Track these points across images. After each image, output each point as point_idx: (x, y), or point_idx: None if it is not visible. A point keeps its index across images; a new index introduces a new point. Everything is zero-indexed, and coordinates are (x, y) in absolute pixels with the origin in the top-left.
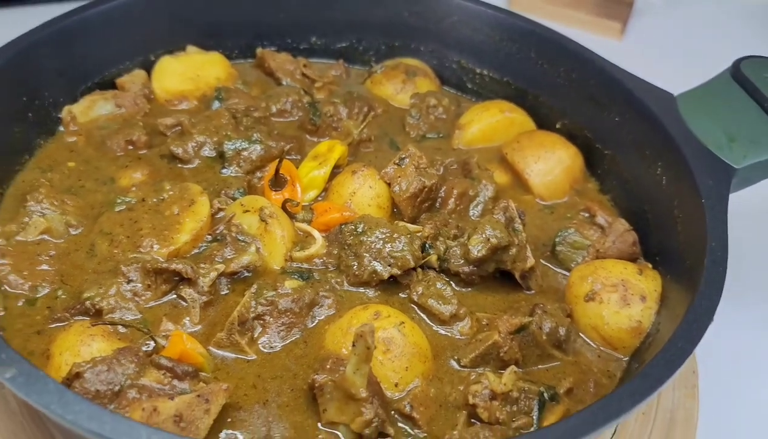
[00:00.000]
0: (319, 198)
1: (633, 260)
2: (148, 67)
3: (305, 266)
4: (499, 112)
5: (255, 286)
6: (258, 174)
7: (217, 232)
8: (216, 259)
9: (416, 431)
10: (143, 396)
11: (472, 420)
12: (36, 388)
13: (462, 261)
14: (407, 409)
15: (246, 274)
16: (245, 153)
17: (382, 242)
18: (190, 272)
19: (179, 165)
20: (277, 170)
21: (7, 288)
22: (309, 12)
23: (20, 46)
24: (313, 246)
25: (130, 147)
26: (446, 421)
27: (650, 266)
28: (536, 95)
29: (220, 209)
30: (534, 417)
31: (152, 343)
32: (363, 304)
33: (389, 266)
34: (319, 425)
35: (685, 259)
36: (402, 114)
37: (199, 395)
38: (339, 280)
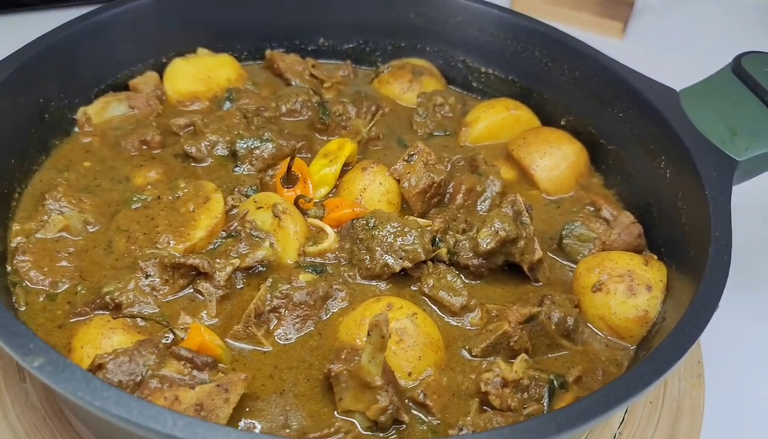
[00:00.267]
0: (330, 195)
1: (638, 251)
2: (160, 69)
3: (318, 260)
4: (504, 110)
5: (270, 279)
6: (270, 172)
7: (232, 228)
8: (231, 254)
9: (430, 418)
10: (164, 386)
11: (484, 407)
12: (64, 376)
13: (471, 254)
14: (421, 397)
15: (260, 268)
16: (257, 151)
17: (393, 236)
18: (207, 267)
19: (193, 164)
20: (289, 168)
21: (28, 284)
22: (316, 14)
23: (36, 50)
24: (325, 241)
25: (144, 147)
26: (459, 408)
27: (655, 257)
28: (541, 93)
29: (233, 206)
30: (544, 404)
31: (171, 335)
32: (375, 296)
33: (401, 259)
34: (335, 413)
35: (690, 249)
36: (409, 113)
37: (218, 385)
38: (351, 273)
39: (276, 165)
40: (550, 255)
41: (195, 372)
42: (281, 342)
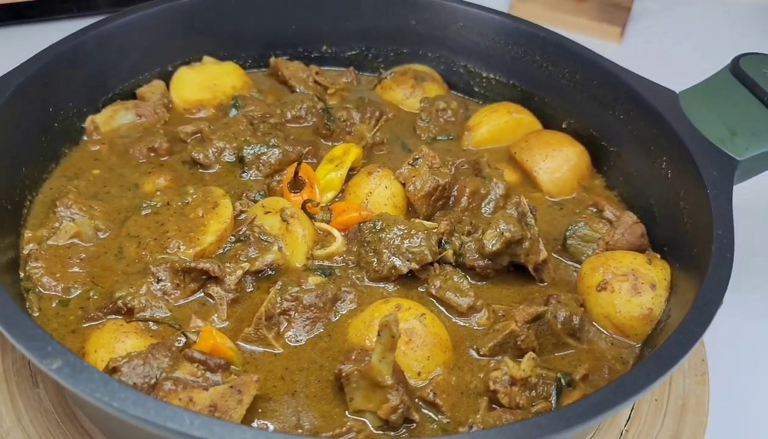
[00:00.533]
0: (337, 199)
1: (641, 251)
2: (166, 78)
3: (326, 263)
4: (506, 114)
5: (280, 282)
6: (277, 177)
7: (240, 233)
8: (241, 258)
9: (440, 416)
10: (179, 388)
11: (493, 406)
12: (82, 377)
13: (477, 255)
14: (430, 396)
15: (270, 272)
16: (264, 157)
17: (400, 238)
18: (218, 271)
19: (200, 170)
20: (296, 173)
21: (41, 290)
22: (320, 22)
23: (45, 59)
24: (333, 244)
25: (152, 154)
26: (468, 407)
27: (658, 256)
28: (542, 97)
29: (242, 211)
30: (552, 402)
31: (183, 338)
32: (383, 298)
33: (408, 261)
34: (346, 413)
35: (693, 247)
36: (412, 118)
37: (231, 386)
38: (359, 276)
39: (282, 170)
40: (555, 256)
41: (208, 374)
42: (292, 344)
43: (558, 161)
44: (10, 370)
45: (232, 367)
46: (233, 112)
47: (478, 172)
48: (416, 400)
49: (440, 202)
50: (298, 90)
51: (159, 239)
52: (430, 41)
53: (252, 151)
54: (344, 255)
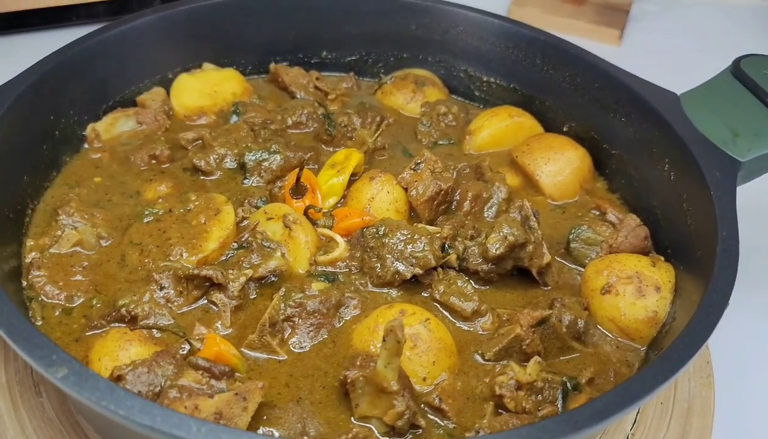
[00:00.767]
0: (339, 204)
1: (645, 253)
2: (167, 85)
3: (329, 269)
4: (508, 117)
5: (283, 289)
6: (278, 183)
7: (243, 239)
8: (243, 265)
9: (446, 422)
10: (184, 395)
11: (499, 410)
12: (88, 385)
13: (480, 260)
14: (436, 402)
15: (273, 278)
16: (266, 163)
17: (403, 243)
18: (221, 277)
19: (202, 177)
20: (298, 179)
21: (44, 298)
22: (319, 28)
23: (46, 68)
24: (336, 250)
25: (154, 161)
26: (474, 412)
27: (662, 258)
28: (543, 100)
29: (244, 218)
30: (558, 406)
31: (187, 346)
32: (387, 303)
33: (411, 266)
34: (352, 419)
35: (697, 250)
36: (413, 123)
37: (236, 394)
38: (363, 281)
39: (284, 176)
40: (558, 259)
41: (213, 381)
42: (296, 350)
43: (560, 165)
44: (13, 379)
45: (237, 374)
46: (234, 118)
47: (480, 176)
48: (422, 405)
49: (443, 207)
50: (298, 96)
51: (161, 246)
52: (430, 46)
53: (253, 158)
54: (347, 261)
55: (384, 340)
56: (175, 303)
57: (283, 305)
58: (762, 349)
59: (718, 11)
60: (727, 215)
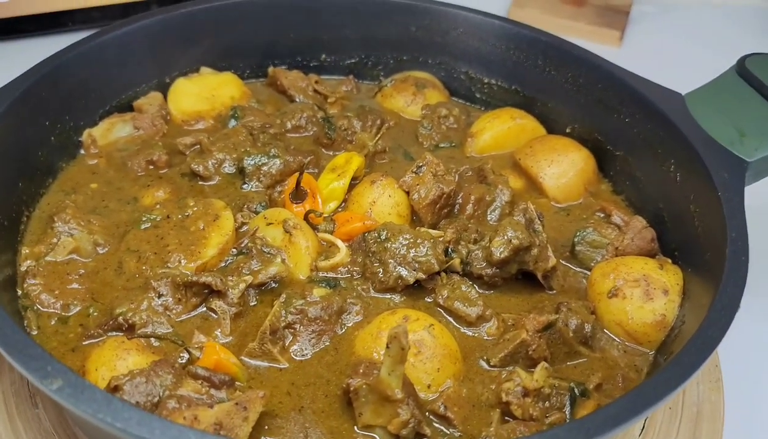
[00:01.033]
0: (340, 209)
1: (652, 256)
2: (164, 90)
3: (331, 274)
4: (510, 119)
5: (284, 295)
6: (278, 188)
7: (242, 245)
8: (243, 271)
9: (452, 430)
10: (183, 406)
11: (506, 418)
12: (84, 397)
13: (484, 264)
14: (441, 409)
15: (273, 285)
16: (265, 168)
17: (406, 247)
18: (220, 284)
19: (200, 182)
20: (298, 183)
21: (39, 307)
22: (318, 30)
23: (41, 73)
24: (337, 255)
25: (151, 167)
26: (480, 420)
27: (669, 261)
28: (545, 102)
29: (243, 223)
30: (566, 412)
31: (186, 355)
32: (390, 309)
33: (414, 270)
34: (355, 428)
35: (705, 252)
36: (413, 126)
37: (237, 403)
38: (365, 287)
39: (284, 181)
40: (563, 263)
41: (213, 391)
42: (297, 358)
43: (564, 166)
44: (9, 390)
45: (237, 383)
46: (232, 122)
47: (483, 179)
48: (427, 413)
49: (445, 211)
50: (297, 99)
51: (159, 253)
52: (430, 48)
53: (252, 162)
54: (349, 266)
55: (387, 347)
56: (174, 311)
57: (283, 311)
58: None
59: (718, 12)
60: (735, 216)
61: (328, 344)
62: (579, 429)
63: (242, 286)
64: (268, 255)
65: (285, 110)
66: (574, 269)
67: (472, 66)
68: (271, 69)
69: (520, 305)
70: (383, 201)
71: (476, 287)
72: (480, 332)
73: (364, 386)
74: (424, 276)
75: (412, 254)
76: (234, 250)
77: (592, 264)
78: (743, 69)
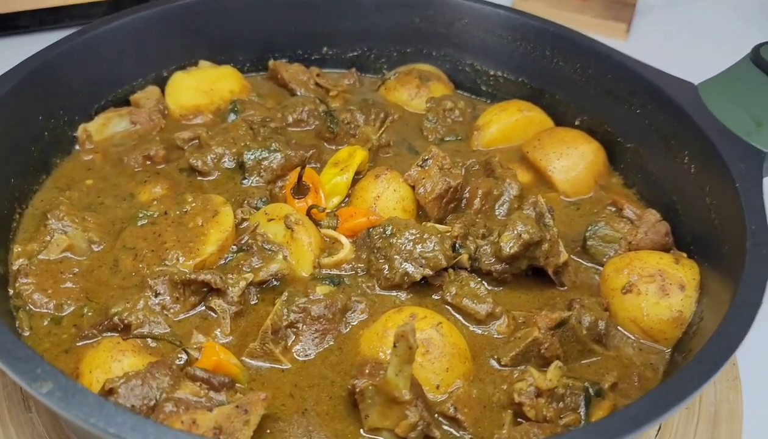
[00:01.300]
0: (343, 204)
1: (666, 250)
2: (161, 83)
3: (334, 271)
4: (517, 112)
5: (286, 293)
6: (279, 183)
7: (243, 242)
8: (243, 268)
9: (462, 432)
10: (180, 409)
11: (518, 419)
12: (75, 401)
13: (493, 259)
14: (451, 411)
15: (275, 282)
16: (266, 162)
17: (412, 243)
18: (220, 282)
19: (199, 178)
20: (300, 178)
21: (31, 307)
22: (319, 23)
23: (33, 66)
24: (341, 251)
25: (148, 162)
26: (492, 421)
27: (685, 255)
28: (553, 94)
29: (243, 219)
30: (581, 413)
31: (184, 356)
32: (396, 307)
33: (421, 267)
34: (361, 431)
35: (723, 245)
36: (418, 119)
37: (237, 406)
38: (370, 284)
39: (285, 176)
40: (574, 258)
41: (212, 393)
42: (300, 359)
43: (573, 159)
44: (1, 394)
45: (238, 385)
46: (232, 116)
47: (490, 172)
48: (436, 415)
49: (452, 205)
50: (298, 93)
51: (156, 250)
52: (434, 39)
53: (253, 157)
54: (353, 262)
55: (395, 346)
56: (171, 310)
57: (286, 310)
58: None
59: (724, 4)
60: (754, 208)
61: (332, 343)
62: (597, 432)
63: (242, 284)
64: (270, 252)
65: (286, 104)
66: (586, 264)
67: (477, 58)
68: (271, 62)
69: (531, 302)
70: (388, 195)
71: (485, 284)
72: (490, 330)
73: (370, 388)
74: (431, 272)
75: (418, 250)
76: (234, 247)
77: (605, 259)
78: (758, 57)
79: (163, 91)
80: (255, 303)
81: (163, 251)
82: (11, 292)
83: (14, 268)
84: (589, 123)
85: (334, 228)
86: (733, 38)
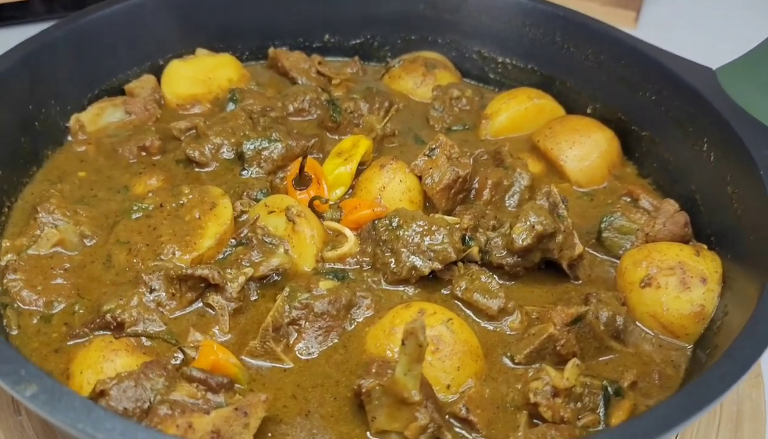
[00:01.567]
0: (347, 195)
1: (685, 242)
2: (158, 72)
3: (338, 266)
4: (527, 100)
5: (287, 289)
6: (280, 174)
7: (242, 235)
8: (243, 263)
9: (474, 435)
10: (176, 412)
11: (534, 420)
12: (61, 405)
13: (505, 252)
14: (463, 412)
15: (276, 277)
16: (266, 153)
17: (419, 235)
18: (218, 278)
19: (196, 169)
20: (301, 168)
21: (20, 305)
22: (321, 10)
23: (22, 54)
24: (345, 245)
25: (143, 153)
26: (506, 423)
27: (705, 247)
28: (564, 81)
29: (243, 212)
30: (600, 414)
31: (181, 355)
32: (404, 302)
33: (429, 260)
34: (368, 434)
35: (747, 235)
36: (423, 108)
37: (236, 408)
38: (376, 279)
39: (286, 166)
40: (589, 250)
41: (209, 395)
42: (303, 357)
43: (586, 148)
44: None
45: (237, 386)
46: (231, 106)
47: (500, 162)
48: (447, 417)
49: (460, 196)
50: (299, 81)
51: (151, 244)
52: (439, 26)
53: (252, 147)
54: (358, 256)
55: (403, 344)
56: (167, 307)
57: (287, 306)
58: None
59: None
60: None
61: (336, 341)
62: (622, 435)
63: (242, 279)
64: (270, 245)
65: (287, 93)
66: (601, 257)
67: (484, 44)
68: (271, 50)
69: (544, 297)
70: (393, 186)
71: (496, 278)
72: (502, 326)
73: (377, 388)
74: (440, 266)
75: (426, 243)
76: (233, 240)
77: (621, 252)
78: None
79: (158, 80)
80: (255, 299)
81: (158, 245)
82: None
83: (2, 264)
84: (602, 111)
85: (338, 220)
86: (744, 26)
